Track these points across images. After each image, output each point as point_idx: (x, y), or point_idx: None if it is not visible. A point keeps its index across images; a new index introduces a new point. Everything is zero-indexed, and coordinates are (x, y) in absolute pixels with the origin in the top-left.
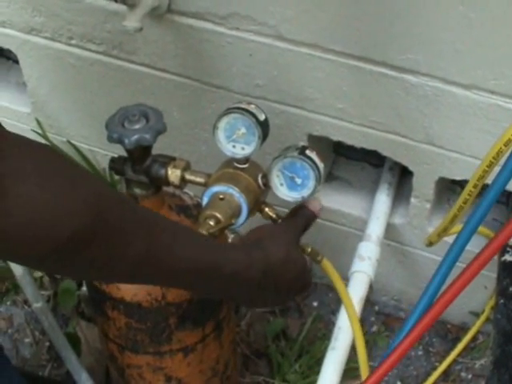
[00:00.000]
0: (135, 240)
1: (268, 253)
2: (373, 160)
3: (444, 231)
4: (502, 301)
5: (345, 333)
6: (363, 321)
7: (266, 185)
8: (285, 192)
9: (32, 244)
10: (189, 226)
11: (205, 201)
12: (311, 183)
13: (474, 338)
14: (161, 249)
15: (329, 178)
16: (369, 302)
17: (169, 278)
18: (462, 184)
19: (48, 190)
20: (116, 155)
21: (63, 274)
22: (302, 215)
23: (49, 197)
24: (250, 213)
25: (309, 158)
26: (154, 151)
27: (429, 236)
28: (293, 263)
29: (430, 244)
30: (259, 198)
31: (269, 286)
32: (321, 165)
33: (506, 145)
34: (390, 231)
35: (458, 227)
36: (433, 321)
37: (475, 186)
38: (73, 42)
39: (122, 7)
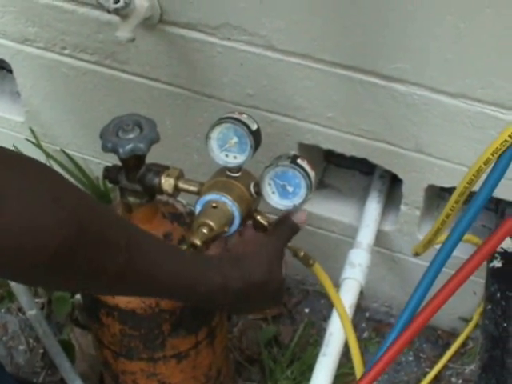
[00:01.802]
0: (116, 252)
1: (247, 274)
2: (363, 168)
3: (429, 243)
4: (489, 306)
5: (336, 339)
6: (354, 327)
7: (258, 193)
8: (276, 200)
9: (15, 260)
10: (167, 241)
11: (198, 209)
12: (302, 191)
13: (464, 344)
14: (140, 261)
15: (320, 185)
16: (360, 309)
17: (146, 290)
18: (451, 191)
19: (31, 205)
20: (109, 164)
21: (45, 286)
22: (286, 228)
23: (32, 212)
24: (243, 221)
25: (300, 166)
26: (147, 160)
27: (415, 246)
28: (270, 285)
29: (417, 254)
30: (251, 206)
31: (243, 303)
32: (312, 173)
33: (485, 163)
34: (381, 238)
35: (444, 236)
36: (421, 327)
37: (457, 202)
38: (66, 51)
39: (114, 18)
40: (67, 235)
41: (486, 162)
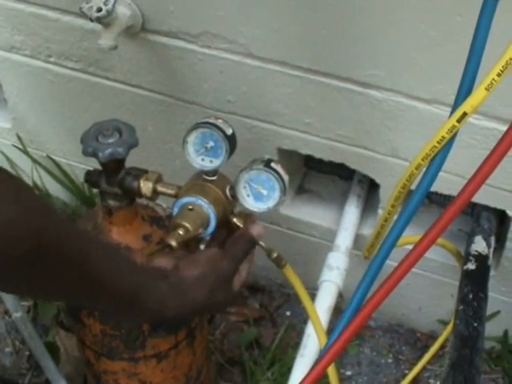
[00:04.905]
0: (71, 263)
1: (185, 301)
2: (343, 173)
3: (372, 246)
4: (461, 307)
5: (313, 340)
6: (334, 329)
7: (234, 196)
8: (251, 203)
9: None
10: (125, 255)
11: (175, 211)
12: (276, 194)
13: (443, 346)
14: (93, 273)
15: (300, 190)
16: (340, 312)
17: (93, 301)
18: (428, 196)
19: None
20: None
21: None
22: (243, 244)
23: None
24: (219, 223)
25: (274, 170)
26: (131, 165)
27: (363, 250)
28: (209, 308)
29: (366, 257)
30: (227, 208)
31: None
32: (286, 177)
33: (417, 168)
34: (360, 242)
35: None
36: (364, 321)
37: (393, 206)
38: (51, 59)
39: (97, 26)
40: (27, 245)
41: (417, 168)
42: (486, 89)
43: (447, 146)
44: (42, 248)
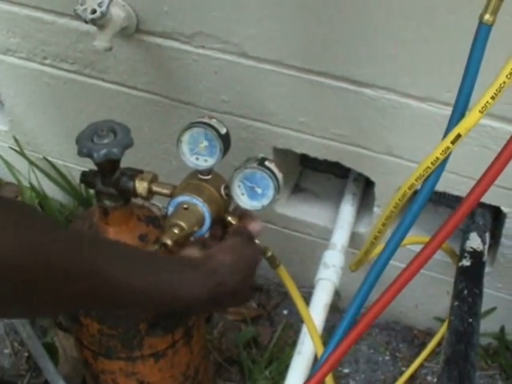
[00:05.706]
0: (78, 282)
1: (219, 285)
2: (338, 171)
3: (360, 261)
4: (456, 303)
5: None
6: (332, 328)
7: (229, 195)
8: (246, 201)
9: None
10: (140, 253)
11: (170, 210)
12: (271, 192)
13: (440, 343)
14: (104, 286)
15: (295, 189)
16: (337, 310)
17: (116, 306)
18: None
19: None
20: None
21: (8, 316)
22: (244, 236)
23: None
24: (214, 221)
25: (268, 168)
26: (128, 165)
27: (350, 263)
28: (240, 293)
29: (352, 270)
30: (222, 207)
31: (211, 308)
32: (280, 175)
33: (410, 188)
34: (356, 240)
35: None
36: (368, 326)
37: (384, 225)
38: (47, 61)
39: (92, 28)
40: (26, 267)
41: (411, 187)
42: (480, 111)
43: (441, 165)
44: (42, 267)
